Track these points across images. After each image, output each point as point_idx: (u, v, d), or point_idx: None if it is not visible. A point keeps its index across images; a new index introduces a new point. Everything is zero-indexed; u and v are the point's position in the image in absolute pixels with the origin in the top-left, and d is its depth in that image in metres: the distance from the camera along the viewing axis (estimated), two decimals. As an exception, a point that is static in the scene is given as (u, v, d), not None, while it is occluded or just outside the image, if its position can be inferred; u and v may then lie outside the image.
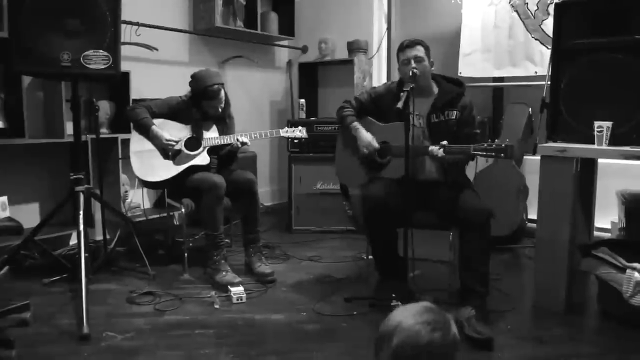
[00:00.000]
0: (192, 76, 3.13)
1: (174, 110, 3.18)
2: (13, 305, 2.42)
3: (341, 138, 2.94)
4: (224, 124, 3.26)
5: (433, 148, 2.50)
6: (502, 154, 2.33)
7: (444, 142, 2.49)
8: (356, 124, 2.81)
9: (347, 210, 3.92)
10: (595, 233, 3.27)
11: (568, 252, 2.57)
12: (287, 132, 3.23)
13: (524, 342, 2.32)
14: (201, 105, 3.12)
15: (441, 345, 1.14)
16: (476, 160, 3.58)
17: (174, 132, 3.13)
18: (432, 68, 2.72)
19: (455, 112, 2.69)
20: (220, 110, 3.15)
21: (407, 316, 1.18)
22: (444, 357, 1.16)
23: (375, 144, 2.73)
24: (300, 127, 3.26)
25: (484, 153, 2.37)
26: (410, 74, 2.55)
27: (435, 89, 2.76)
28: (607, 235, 3.41)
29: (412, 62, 2.62)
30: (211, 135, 3.16)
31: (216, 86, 3.06)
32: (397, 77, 2.84)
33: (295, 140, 3.43)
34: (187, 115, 3.17)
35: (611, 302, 2.49)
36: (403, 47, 2.69)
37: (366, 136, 2.75)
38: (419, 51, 2.65)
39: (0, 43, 2.80)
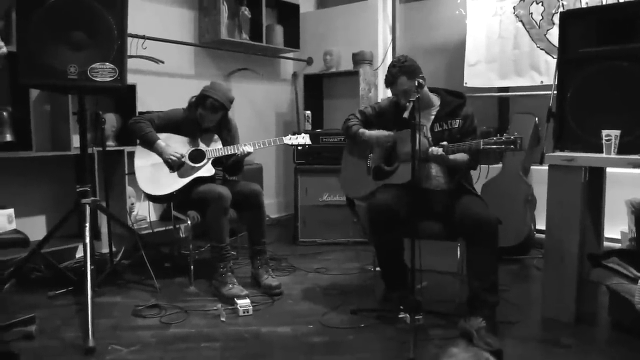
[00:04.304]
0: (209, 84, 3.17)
1: (176, 122, 3.19)
2: (18, 318, 2.41)
3: (347, 150, 2.93)
4: (228, 135, 3.26)
5: (433, 148, 2.52)
6: (513, 146, 2.33)
7: (444, 143, 2.52)
8: (363, 130, 2.85)
9: (354, 221, 3.90)
10: (605, 243, 3.24)
11: (577, 262, 2.54)
12: (290, 139, 3.21)
13: (533, 353, 2.29)
14: (198, 112, 3.13)
15: None
16: (487, 170, 3.55)
17: (178, 145, 3.14)
18: (424, 83, 2.68)
19: (458, 120, 2.71)
20: (210, 125, 3.16)
21: None
22: None
23: (390, 133, 2.76)
24: (303, 134, 3.24)
25: (495, 146, 2.37)
26: (408, 104, 2.44)
27: (437, 101, 2.78)
28: (617, 245, 3.37)
29: (402, 98, 2.63)
30: (215, 147, 3.16)
31: (217, 103, 3.07)
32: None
33: (299, 147, 3.42)
34: (190, 127, 3.17)
35: (622, 312, 2.46)
36: (388, 84, 2.70)
37: (379, 132, 2.79)
38: (403, 84, 2.62)
39: (8, 56, 2.82)
